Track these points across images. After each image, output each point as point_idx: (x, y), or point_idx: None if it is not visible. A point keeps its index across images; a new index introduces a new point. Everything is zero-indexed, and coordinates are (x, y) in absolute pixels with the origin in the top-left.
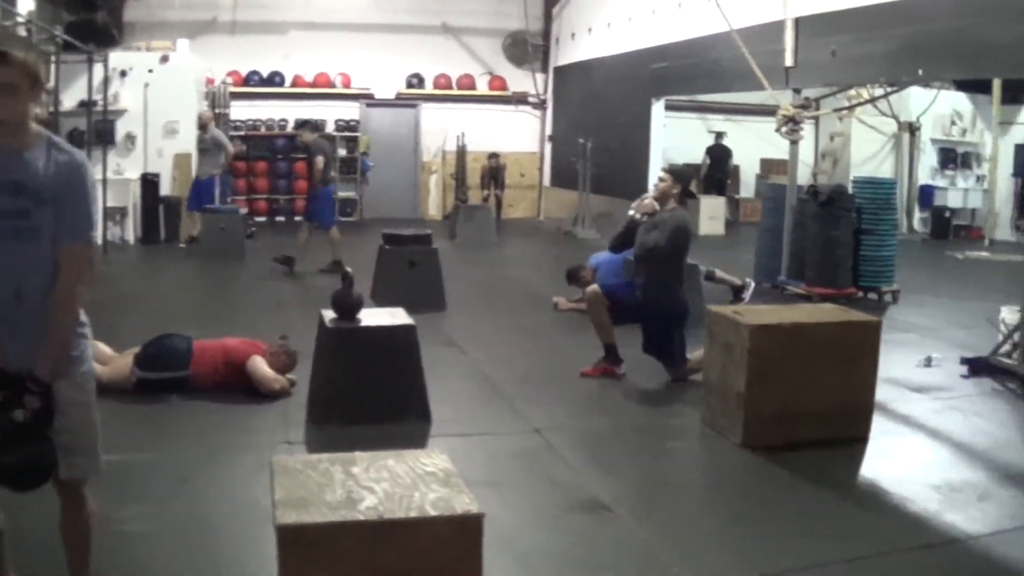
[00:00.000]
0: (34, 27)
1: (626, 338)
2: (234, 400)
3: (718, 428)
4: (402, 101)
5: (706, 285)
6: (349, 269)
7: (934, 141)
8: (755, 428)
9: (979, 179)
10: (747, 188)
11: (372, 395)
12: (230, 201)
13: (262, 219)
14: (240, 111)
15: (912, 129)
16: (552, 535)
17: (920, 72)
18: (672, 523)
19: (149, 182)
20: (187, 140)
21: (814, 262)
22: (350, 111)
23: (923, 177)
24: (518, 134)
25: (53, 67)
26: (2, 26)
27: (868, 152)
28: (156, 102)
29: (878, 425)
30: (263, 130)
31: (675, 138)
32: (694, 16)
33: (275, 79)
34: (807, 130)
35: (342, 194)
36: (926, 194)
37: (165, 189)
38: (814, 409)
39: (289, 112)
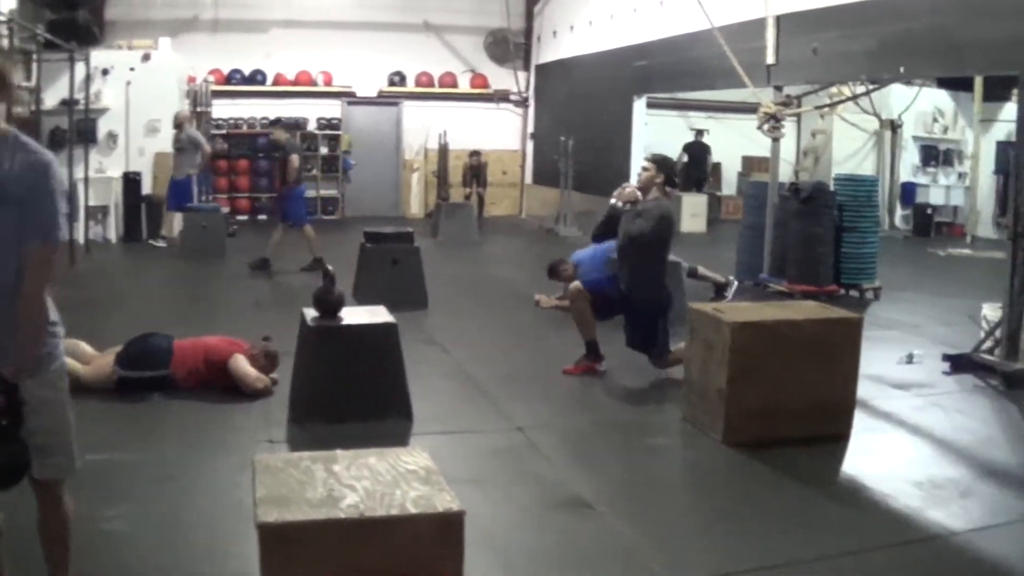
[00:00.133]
0: (16, 25)
1: (608, 335)
2: (216, 399)
3: (699, 425)
4: (384, 99)
5: (688, 282)
6: (330, 267)
7: (916, 138)
8: (736, 425)
9: (961, 176)
10: (729, 186)
11: (354, 393)
12: (211, 199)
13: (243, 218)
14: (222, 109)
15: (894, 126)
16: (534, 533)
17: (901, 69)
18: (654, 520)
19: (131, 181)
20: (169, 139)
21: (796, 259)
22: (332, 109)
23: (905, 174)
24: (500, 132)
25: (35, 65)
26: None
27: (850, 149)
28: (138, 101)
29: (860, 422)
30: (245, 128)
31: (657, 136)
32: (676, 14)
33: (257, 77)
34: (789, 128)
35: (324, 192)
36: (908, 191)
37: (147, 188)
38: (795, 406)
39: (271, 110)
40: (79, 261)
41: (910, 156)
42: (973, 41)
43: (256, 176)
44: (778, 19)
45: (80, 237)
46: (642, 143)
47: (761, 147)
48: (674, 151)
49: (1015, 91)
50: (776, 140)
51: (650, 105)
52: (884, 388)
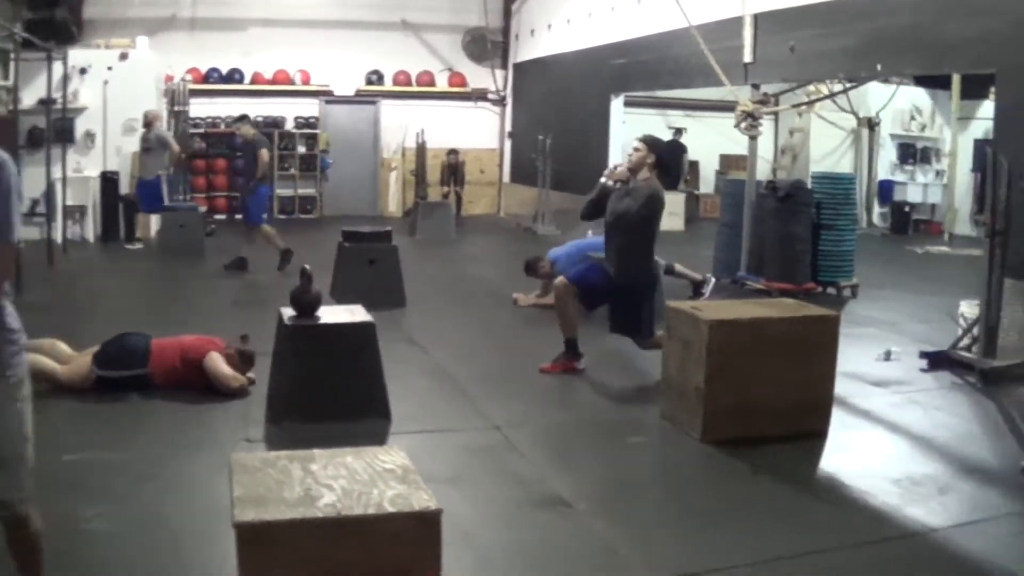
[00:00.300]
0: None
1: (586, 333)
2: (194, 398)
3: (677, 423)
4: (361, 98)
5: (666, 280)
6: (307, 266)
7: (893, 136)
8: (714, 423)
9: (938, 174)
10: (707, 184)
11: (332, 393)
12: (189, 199)
13: (222, 217)
14: (199, 108)
15: (871, 124)
16: (512, 531)
17: (879, 68)
18: (632, 518)
19: (108, 180)
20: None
21: (773, 257)
22: (309, 108)
23: (882, 172)
24: (478, 131)
25: (12, 64)
26: None
27: (827, 147)
28: (115, 100)
29: (838, 419)
30: (222, 127)
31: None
32: (653, 12)
33: (235, 76)
34: (766, 126)
35: (302, 191)
36: (885, 189)
37: (124, 187)
38: (773, 404)
39: (249, 109)
40: (57, 261)
41: (888, 154)
42: (950, 39)
43: (234, 175)
44: (755, 17)
45: (58, 237)
46: (620, 142)
47: (739, 145)
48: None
49: (992, 89)
50: (754, 138)
51: (628, 104)
52: (862, 385)
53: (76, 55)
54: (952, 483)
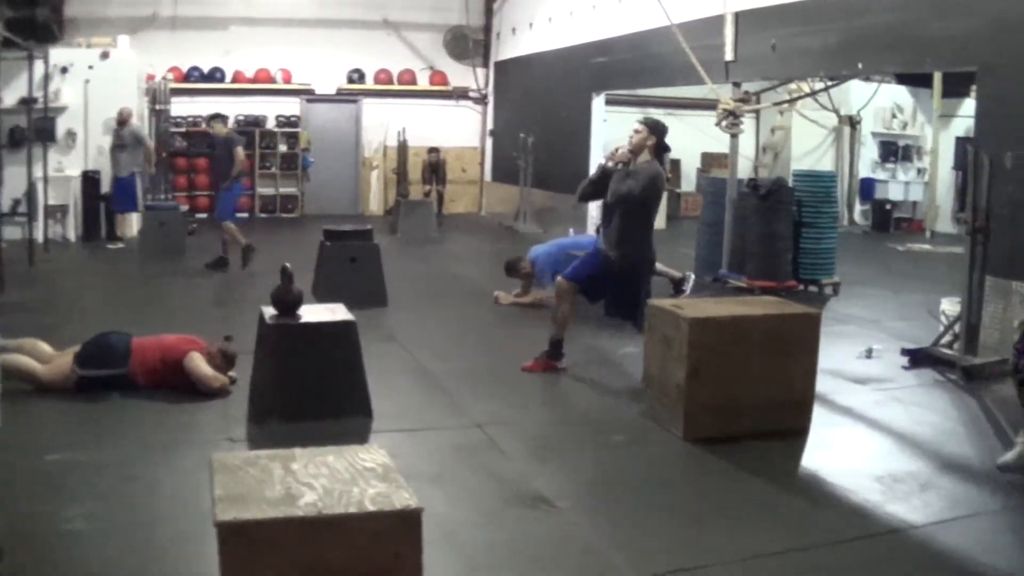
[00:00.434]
0: None
1: (570, 332)
2: (176, 398)
3: (659, 421)
4: (343, 96)
5: None
6: (288, 265)
7: (875, 134)
8: (696, 421)
9: (920, 172)
10: (688, 182)
11: (313, 392)
12: (171, 198)
13: (203, 216)
14: (180, 107)
15: (853, 122)
16: (494, 529)
17: (860, 66)
18: (614, 516)
19: (90, 179)
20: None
21: (755, 255)
22: (291, 107)
23: (864, 170)
24: (459, 129)
25: None
26: None
27: (809, 145)
28: (97, 99)
29: (819, 417)
30: (203, 126)
31: (616, 132)
32: (635, 11)
33: (216, 75)
34: (748, 124)
35: (283, 190)
36: (867, 187)
37: (106, 186)
38: (754, 401)
39: (230, 108)
40: (38, 260)
41: (869, 152)
42: (931, 37)
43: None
44: (737, 16)
45: (39, 236)
46: (601, 140)
47: (720, 143)
48: None
49: (974, 87)
50: (735, 136)
51: (609, 102)
52: (843, 383)
53: (57, 54)
54: (933, 480)
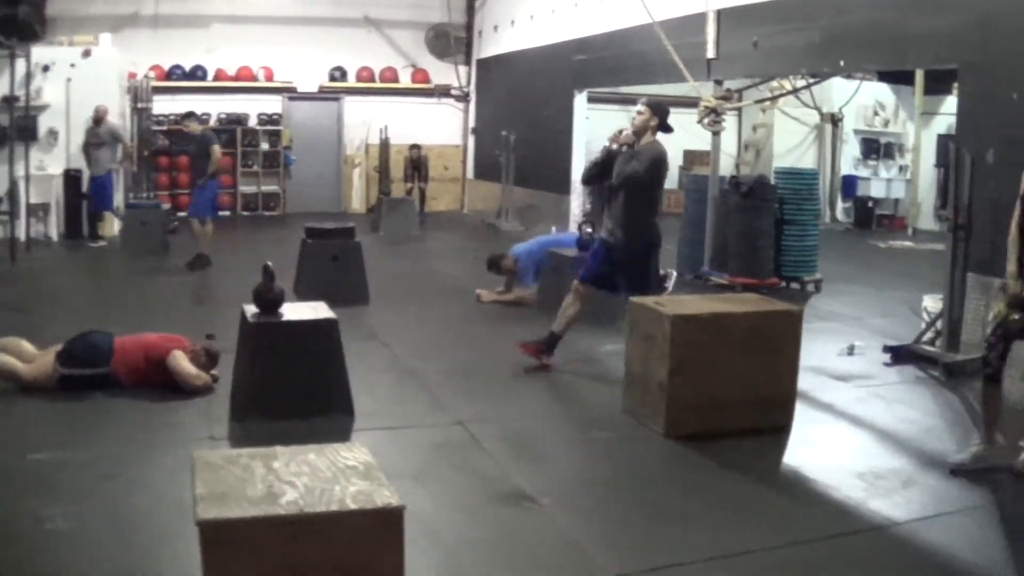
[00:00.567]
0: None
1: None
2: (158, 397)
3: (641, 418)
4: (325, 94)
5: None
6: (270, 263)
7: (857, 132)
8: (677, 418)
9: (902, 169)
10: (670, 179)
11: (295, 390)
12: (153, 196)
13: (184, 214)
14: (162, 105)
15: (835, 120)
16: (476, 527)
17: (841, 63)
18: (596, 513)
19: (72, 178)
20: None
21: (737, 253)
22: (273, 105)
23: (846, 167)
24: (441, 127)
25: None
26: None
27: (791, 143)
28: (78, 97)
29: (801, 413)
30: (178, 125)
31: (598, 130)
32: (617, 8)
33: (197, 73)
34: (730, 121)
35: (265, 188)
36: (849, 184)
37: (87, 185)
38: (736, 398)
39: (212, 106)
40: (20, 259)
41: (851, 149)
42: (913, 35)
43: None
44: (718, 13)
45: (21, 235)
46: (583, 138)
47: (702, 141)
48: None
49: (955, 85)
50: (717, 134)
51: (591, 100)
52: (825, 380)
53: (39, 52)
54: (915, 476)
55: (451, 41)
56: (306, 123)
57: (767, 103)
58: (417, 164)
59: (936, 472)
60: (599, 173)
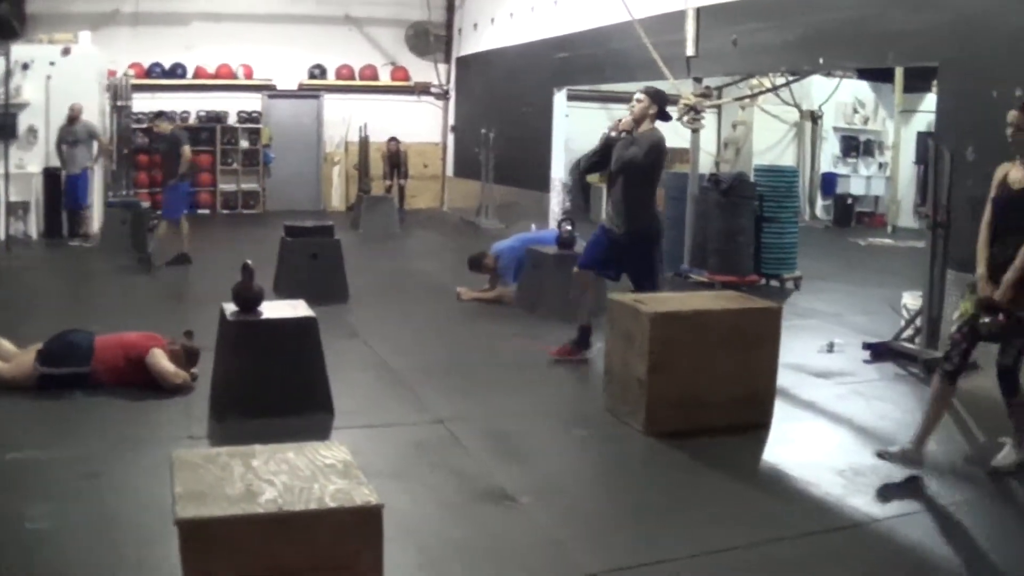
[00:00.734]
0: None
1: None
2: (138, 395)
3: (621, 416)
4: (304, 92)
5: None
6: (249, 261)
7: (836, 129)
8: (657, 415)
9: (881, 167)
10: None
11: (275, 388)
12: (133, 194)
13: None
14: (142, 103)
15: (814, 117)
16: (456, 525)
17: (821, 61)
18: (576, 511)
19: (52, 176)
20: None
21: (716, 250)
22: (252, 102)
23: (825, 165)
24: (421, 125)
25: None
26: None
27: (770, 140)
28: (58, 95)
29: (781, 411)
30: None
31: (578, 128)
32: (596, 6)
33: (177, 71)
34: (709, 119)
35: (245, 186)
36: (828, 182)
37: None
38: (716, 396)
39: (191, 104)
40: (0, 258)
41: (831, 147)
42: (893, 32)
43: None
44: (698, 11)
45: (1, 234)
46: (563, 135)
47: (682, 139)
48: (594, 144)
49: (935, 82)
50: (696, 132)
51: (571, 97)
52: (805, 377)
53: (18, 50)
54: (894, 473)
55: (431, 39)
56: (286, 121)
57: (747, 101)
58: (396, 160)
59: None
60: (599, 161)
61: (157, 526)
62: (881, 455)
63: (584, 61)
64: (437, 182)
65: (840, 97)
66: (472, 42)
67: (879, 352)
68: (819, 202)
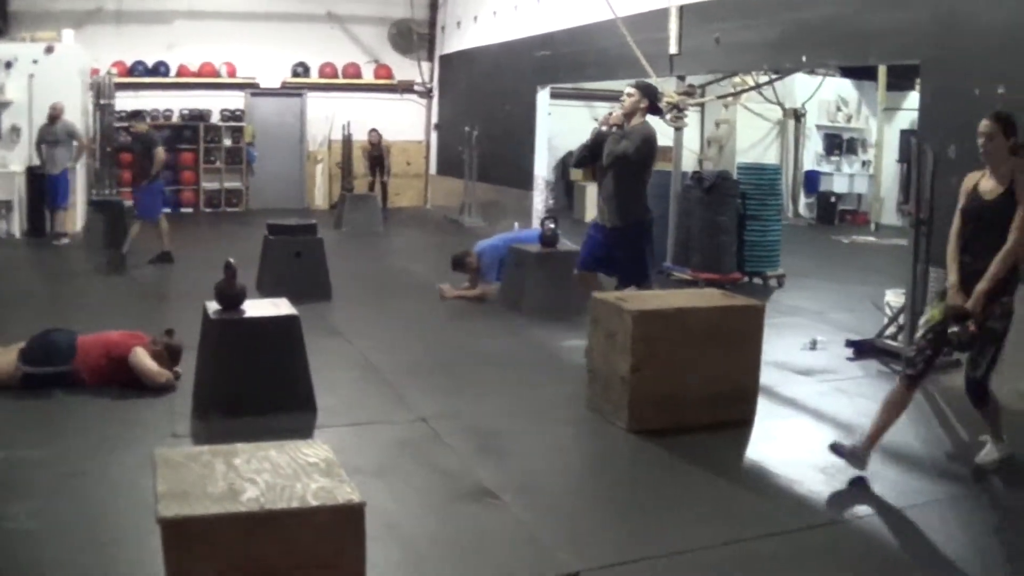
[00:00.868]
0: None
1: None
2: (120, 394)
3: (604, 414)
4: (287, 90)
5: None
6: (232, 260)
7: (819, 127)
8: (640, 413)
9: (864, 164)
10: None
11: (257, 386)
12: (116, 193)
13: None
14: (125, 102)
15: (797, 115)
16: (438, 523)
17: (804, 59)
18: (558, 509)
19: (35, 175)
20: None
21: (699, 248)
22: (235, 101)
23: (808, 163)
24: (404, 123)
25: None
26: None
27: (753, 138)
28: (41, 93)
29: (763, 408)
30: (148, 121)
31: (561, 126)
32: (579, 4)
33: (160, 69)
34: (692, 117)
35: (228, 185)
36: (811, 180)
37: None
38: (699, 393)
39: (174, 102)
40: None
41: (814, 145)
42: (875, 31)
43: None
44: (681, 9)
45: None
46: (546, 133)
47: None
48: (577, 142)
49: (918, 80)
50: (679, 130)
51: (554, 95)
52: (788, 374)
53: (1, 48)
54: (877, 470)
55: (414, 37)
56: (269, 119)
57: (730, 99)
58: (378, 157)
59: (898, 466)
60: (590, 155)
61: (140, 524)
62: (833, 447)
63: (567, 59)
64: (420, 180)
65: (823, 95)
66: (455, 40)
67: (862, 349)
68: (802, 200)
